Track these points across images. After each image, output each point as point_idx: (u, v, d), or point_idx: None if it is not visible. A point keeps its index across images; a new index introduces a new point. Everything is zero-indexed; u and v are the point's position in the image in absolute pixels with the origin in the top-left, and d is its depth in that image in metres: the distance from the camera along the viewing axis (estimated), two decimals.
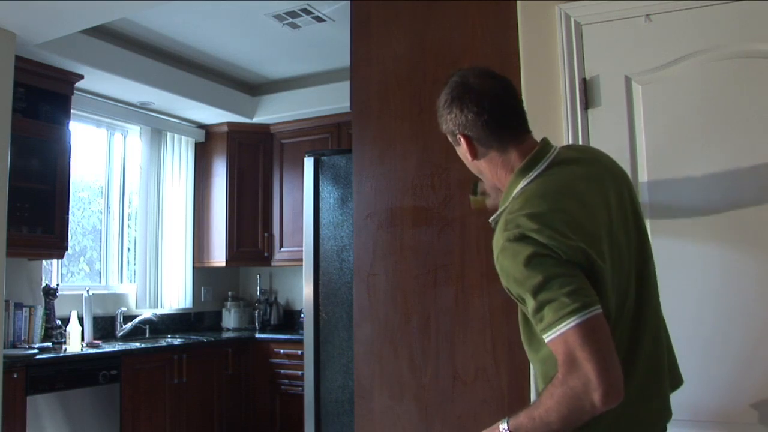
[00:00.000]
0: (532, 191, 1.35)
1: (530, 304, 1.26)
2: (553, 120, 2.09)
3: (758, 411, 1.81)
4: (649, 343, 1.39)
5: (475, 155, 1.46)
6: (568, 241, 1.26)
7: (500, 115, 1.42)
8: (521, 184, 1.38)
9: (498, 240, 1.33)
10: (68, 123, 3.94)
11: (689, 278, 1.91)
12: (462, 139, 1.45)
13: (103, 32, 3.95)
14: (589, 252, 1.27)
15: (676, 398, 1.48)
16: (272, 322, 5.26)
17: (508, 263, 1.29)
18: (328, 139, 4.97)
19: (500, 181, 1.47)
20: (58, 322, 3.96)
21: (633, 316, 1.36)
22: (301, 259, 3.08)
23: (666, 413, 1.44)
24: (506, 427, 1.31)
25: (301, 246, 3.09)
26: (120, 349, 3.96)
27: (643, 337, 1.38)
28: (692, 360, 1.90)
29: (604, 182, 1.42)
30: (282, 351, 4.70)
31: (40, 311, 3.88)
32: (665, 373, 1.44)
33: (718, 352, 1.87)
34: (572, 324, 1.20)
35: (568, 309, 1.20)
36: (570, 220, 1.29)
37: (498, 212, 1.42)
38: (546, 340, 1.25)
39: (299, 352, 4.32)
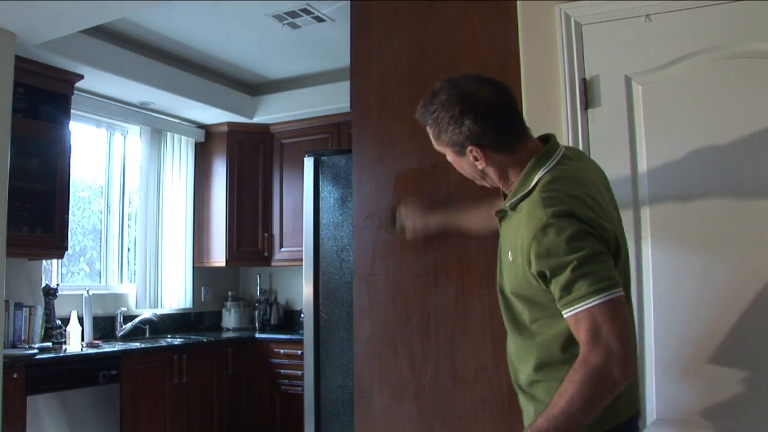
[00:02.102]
0: (560, 175, 1.43)
1: (564, 277, 1.31)
2: (553, 120, 2.09)
3: (754, 409, 1.82)
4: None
5: (486, 162, 1.49)
6: (605, 223, 1.36)
7: (510, 120, 1.49)
8: (541, 171, 1.45)
9: (538, 216, 1.36)
10: (68, 123, 3.94)
11: (689, 278, 1.91)
12: (474, 149, 1.47)
13: (103, 32, 3.95)
14: (618, 238, 1.40)
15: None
16: (272, 322, 5.26)
17: (552, 237, 1.33)
18: (328, 139, 4.97)
19: (507, 181, 1.53)
20: (58, 322, 3.96)
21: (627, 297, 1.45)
22: (301, 259, 3.08)
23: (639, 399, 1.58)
24: None
25: (301, 246, 3.09)
26: (120, 349, 3.96)
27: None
28: (691, 359, 1.90)
29: (603, 179, 1.57)
30: (282, 351, 4.70)
31: (40, 311, 3.88)
32: None
33: (717, 352, 1.86)
34: (602, 300, 1.27)
35: (602, 285, 1.28)
36: (600, 206, 1.40)
37: (517, 197, 1.47)
38: (569, 313, 1.31)
39: (299, 352, 4.32)
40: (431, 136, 1.54)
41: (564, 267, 1.31)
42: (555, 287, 1.34)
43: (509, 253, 1.48)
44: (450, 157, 1.55)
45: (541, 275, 1.36)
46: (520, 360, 1.53)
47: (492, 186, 1.61)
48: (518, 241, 1.42)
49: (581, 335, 1.30)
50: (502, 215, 1.55)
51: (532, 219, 1.37)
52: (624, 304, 1.31)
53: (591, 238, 1.33)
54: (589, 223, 1.33)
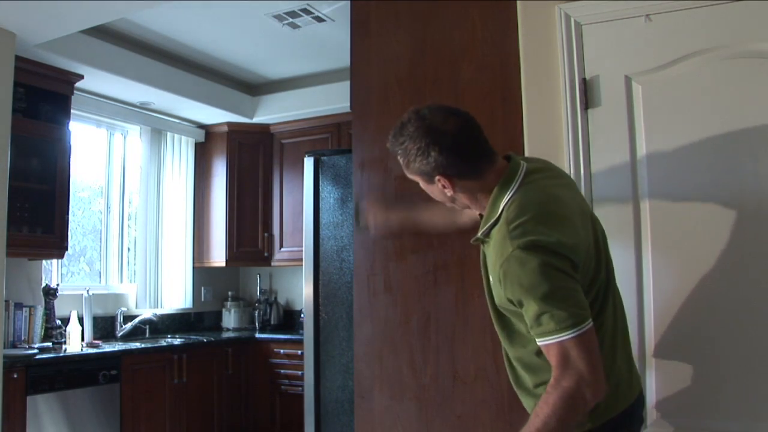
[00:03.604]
0: (522, 199, 1.48)
1: (532, 309, 1.38)
2: (553, 120, 2.09)
3: (753, 409, 1.82)
4: (621, 319, 1.60)
5: (454, 190, 1.56)
6: (571, 241, 1.42)
7: (474, 148, 1.54)
8: (506, 196, 1.51)
9: (504, 247, 1.43)
10: (68, 123, 3.94)
11: (689, 278, 1.91)
12: (441, 179, 1.54)
13: (103, 32, 3.94)
14: (589, 248, 1.48)
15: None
16: (272, 322, 5.26)
17: (516, 270, 1.40)
18: (328, 139, 4.96)
19: (478, 204, 1.59)
20: (58, 322, 3.96)
21: (604, 296, 1.54)
22: (301, 259, 3.08)
23: (639, 381, 1.65)
24: None
25: (301, 246, 3.09)
26: (120, 349, 3.96)
27: (618, 315, 1.59)
28: (691, 359, 1.90)
29: (570, 187, 1.62)
30: (282, 351, 4.70)
31: (40, 311, 3.88)
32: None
33: (717, 352, 1.86)
34: (569, 336, 1.35)
35: (568, 323, 1.35)
36: (564, 220, 1.46)
37: (488, 225, 1.53)
38: (540, 343, 1.40)
39: (299, 352, 4.32)
40: (402, 165, 1.60)
41: (530, 300, 1.38)
42: (525, 316, 1.42)
43: (490, 276, 1.55)
44: (422, 184, 1.62)
45: (511, 300, 1.44)
46: (526, 365, 1.58)
47: (462, 209, 1.68)
48: (492, 269, 1.50)
49: (552, 360, 1.39)
50: (477, 242, 1.61)
51: (499, 250, 1.44)
52: (592, 334, 1.38)
53: (555, 272, 1.38)
54: (554, 250, 1.39)
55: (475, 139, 1.54)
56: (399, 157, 1.59)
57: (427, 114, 1.53)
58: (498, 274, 1.44)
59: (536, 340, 1.41)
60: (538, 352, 1.47)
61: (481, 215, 1.62)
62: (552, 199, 1.50)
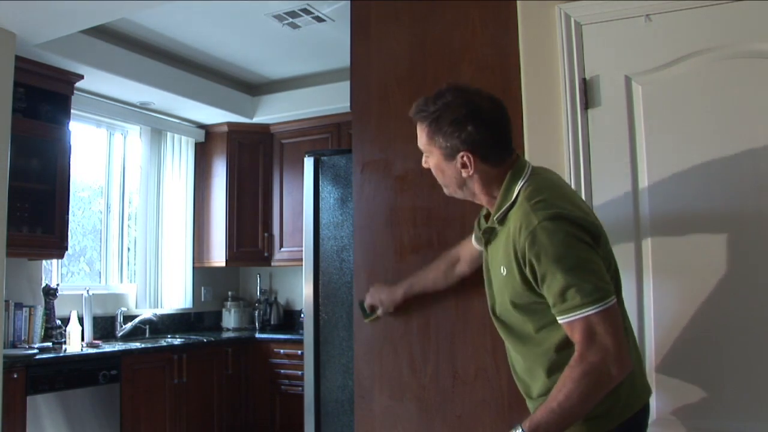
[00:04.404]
0: (537, 184, 1.49)
1: (557, 283, 1.36)
2: (553, 120, 2.09)
3: (753, 409, 1.82)
4: (627, 318, 1.58)
5: (473, 170, 1.52)
6: (593, 219, 1.46)
7: (505, 135, 1.54)
8: (520, 182, 1.50)
9: (529, 221, 1.41)
10: (68, 123, 3.94)
11: (687, 278, 1.91)
12: (466, 155, 1.50)
13: (103, 32, 3.95)
14: (602, 229, 1.47)
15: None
16: (272, 322, 5.26)
17: (543, 240, 1.38)
18: (328, 139, 4.97)
19: (488, 193, 1.56)
20: (58, 322, 3.96)
21: (616, 289, 1.51)
22: (301, 259, 3.08)
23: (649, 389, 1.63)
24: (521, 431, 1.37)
25: (301, 246, 3.09)
26: (120, 349, 3.96)
27: (625, 314, 1.58)
28: (691, 360, 1.90)
29: (569, 187, 1.67)
30: (282, 351, 4.70)
31: (40, 311, 3.88)
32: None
33: (717, 353, 1.86)
34: (596, 310, 1.34)
35: (594, 296, 1.34)
36: (580, 202, 1.51)
37: (503, 209, 1.51)
38: (564, 321, 1.37)
39: (299, 352, 4.32)
40: (422, 134, 1.56)
41: (554, 274, 1.36)
42: (548, 293, 1.40)
43: (501, 268, 1.53)
44: (434, 160, 1.57)
45: (534, 276, 1.41)
46: (530, 372, 1.56)
47: (464, 197, 1.64)
48: (511, 250, 1.46)
49: (576, 337, 1.36)
50: (489, 234, 1.59)
51: (523, 224, 1.42)
52: (617, 310, 1.38)
53: (581, 244, 1.38)
54: (580, 223, 1.39)
55: (508, 127, 1.54)
56: (423, 126, 1.54)
57: (467, 88, 1.53)
58: (522, 249, 1.41)
59: (559, 318, 1.38)
60: (559, 348, 1.45)
61: (485, 218, 1.61)
62: (565, 186, 1.56)
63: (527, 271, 1.42)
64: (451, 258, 2.00)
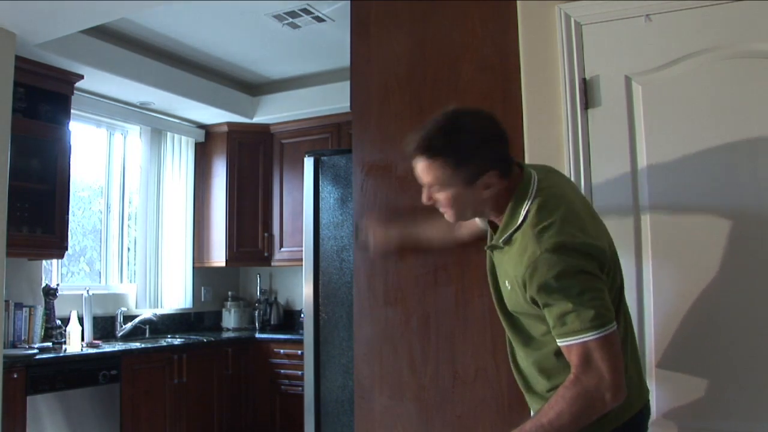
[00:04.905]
0: (544, 204, 1.46)
1: (557, 309, 1.37)
2: (553, 120, 2.09)
3: (753, 409, 1.82)
4: (630, 325, 1.61)
5: (497, 187, 1.50)
6: (596, 242, 1.43)
7: (508, 149, 1.53)
8: (526, 204, 1.48)
9: (531, 250, 1.41)
10: (68, 123, 3.94)
11: (689, 278, 1.91)
12: (493, 174, 1.47)
13: (103, 32, 3.94)
14: (608, 250, 1.46)
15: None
16: (272, 322, 5.26)
17: (543, 272, 1.38)
18: (328, 139, 4.96)
19: (499, 207, 1.53)
20: (58, 322, 3.96)
21: (618, 302, 1.53)
22: (301, 259, 3.08)
23: (647, 391, 1.65)
24: None
25: (301, 246, 3.09)
26: (120, 349, 3.96)
27: (629, 322, 1.61)
28: (691, 360, 1.90)
29: (578, 192, 1.64)
30: (282, 351, 4.70)
31: (40, 311, 3.88)
32: None
33: (717, 353, 1.86)
34: (594, 336, 1.34)
35: (594, 323, 1.34)
36: (587, 222, 1.47)
37: (509, 232, 1.49)
38: (562, 344, 1.38)
39: (299, 352, 4.32)
40: (437, 169, 1.47)
41: (555, 302, 1.37)
42: (548, 316, 1.41)
43: (506, 282, 1.53)
44: (451, 191, 1.49)
45: (534, 302, 1.43)
46: (535, 370, 1.57)
47: (472, 217, 1.63)
48: (513, 273, 1.47)
49: (573, 360, 1.37)
50: (492, 248, 1.59)
51: (525, 252, 1.42)
52: (617, 336, 1.38)
53: (581, 275, 1.38)
54: (584, 251, 1.39)
55: (508, 142, 1.53)
56: (437, 160, 1.46)
57: (471, 109, 1.52)
58: (522, 276, 1.42)
59: (558, 340, 1.39)
60: (558, 354, 1.45)
61: (490, 223, 1.60)
62: (569, 202, 1.49)
63: (529, 296, 1.43)
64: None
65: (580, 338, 1.35)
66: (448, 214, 1.57)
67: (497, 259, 1.60)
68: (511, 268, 1.48)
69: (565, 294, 1.36)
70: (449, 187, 1.49)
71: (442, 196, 1.52)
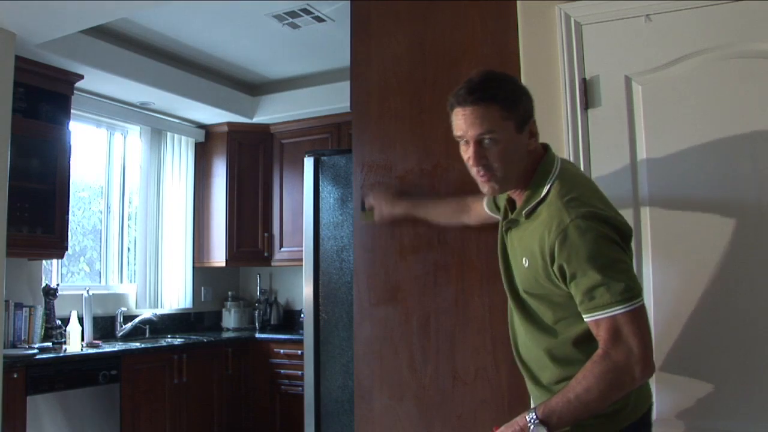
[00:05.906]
0: (568, 179, 1.49)
1: (587, 281, 1.35)
2: (553, 120, 2.09)
3: (753, 410, 1.82)
4: None
5: (534, 136, 1.53)
6: (621, 217, 1.45)
7: None
8: (551, 177, 1.49)
9: (561, 218, 1.40)
10: (68, 123, 3.94)
11: (688, 278, 1.91)
12: (534, 123, 1.53)
13: (103, 32, 3.95)
14: (631, 231, 1.47)
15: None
16: (272, 322, 5.26)
17: (575, 239, 1.37)
18: (328, 139, 4.97)
19: (524, 178, 1.53)
20: (58, 322, 3.96)
21: None
22: (301, 259, 3.08)
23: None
24: (534, 417, 1.38)
25: (301, 246, 3.09)
26: (120, 349, 3.96)
27: None
28: (690, 360, 1.90)
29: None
30: (282, 351, 4.70)
31: (40, 311, 3.88)
32: None
33: (717, 353, 1.86)
34: (623, 310, 1.33)
35: (624, 296, 1.33)
36: (610, 201, 1.49)
37: (531, 204, 1.49)
38: (590, 319, 1.37)
39: (299, 352, 4.33)
40: (488, 115, 1.44)
41: (585, 272, 1.35)
42: (576, 291, 1.38)
43: (524, 259, 1.51)
44: (505, 136, 1.45)
45: (562, 274, 1.40)
46: (538, 360, 1.55)
47: (504, 190, 1.57)
48: (537, 245, 1.45)
49: (602, 334, 1.35)
50: (511, 225, 1.58)
51: (554, 221, 1.41)
52: (645, 311, 1.37)
53: (612, 244, 1.38)
54: (612, 223, 1.40)
55: None
56: (489, 106, 1.43)
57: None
58: (551, 246, 1.40)
59: (585, 316, 1.38)
60: (576, 342, 1.45)
61: (510, 207, 1.60)
62: (592, 183, 1.55)
63: (554, 268, 1.41)
64: (463, 204, 2.01)
65: (609, 312, 1.33)
66: (498, 173, 1.48)
67: (513, 237, 1.58)
68: (535, 241, 1.46)
69: (594, 263, 1.34)
70: (503, 132, 1.45)
71: (495, 148, 1.46)
